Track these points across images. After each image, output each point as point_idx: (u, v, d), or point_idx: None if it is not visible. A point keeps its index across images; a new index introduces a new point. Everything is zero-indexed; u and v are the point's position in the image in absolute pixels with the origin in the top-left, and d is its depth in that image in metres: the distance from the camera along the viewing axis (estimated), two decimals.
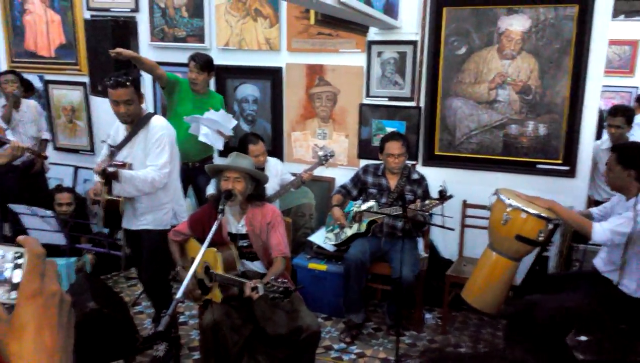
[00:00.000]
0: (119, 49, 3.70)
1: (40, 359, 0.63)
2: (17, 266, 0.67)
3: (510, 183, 3.62)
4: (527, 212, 2.77)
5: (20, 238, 0.67)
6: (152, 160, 3.12)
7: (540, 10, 3.73)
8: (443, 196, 3.33)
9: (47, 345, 0.63)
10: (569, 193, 3.63)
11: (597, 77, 3.64)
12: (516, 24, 3.82)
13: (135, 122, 3.15)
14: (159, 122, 3.19)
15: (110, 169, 2.93)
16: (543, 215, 2.76)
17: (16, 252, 0.68)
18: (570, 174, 3.75)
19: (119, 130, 3.26)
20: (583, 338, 2.47)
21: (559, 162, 3.78)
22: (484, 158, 3.99)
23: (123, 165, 3.04)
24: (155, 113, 3.35)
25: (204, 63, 4.08)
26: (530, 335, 2.74)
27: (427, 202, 3.42)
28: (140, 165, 3.13)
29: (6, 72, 4.60)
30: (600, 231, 2.65)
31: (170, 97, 4.19)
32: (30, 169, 4.62)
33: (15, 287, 0.66)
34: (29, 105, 4.66)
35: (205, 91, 4.19)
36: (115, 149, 3.04)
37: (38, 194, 4.56)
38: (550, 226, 2.76)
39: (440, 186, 3.32)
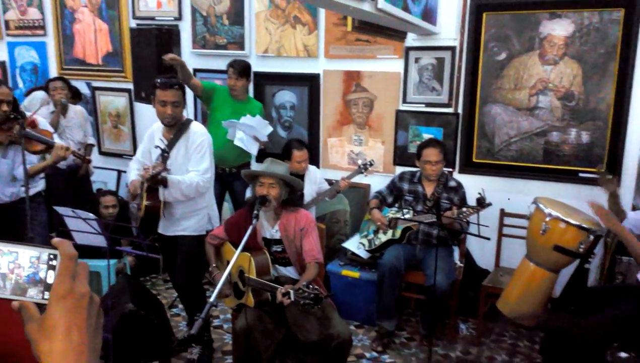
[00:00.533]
0: (171, 55, 3.82)
1: (68, 358, 0.65)
2: (50, 267, 0.70)
3: (550, 192, 3.53)
4: (567, 222, 2.69)
5: (55, 240, 0.70)
6: (194, 165, 3.17)
7: (585, 14, 3.63)
8: (481, 204, 3.26)
9: (75, 345, 0.66)
10: None
11: None
12: (559, 28, 3.72)
13: (177, 128, 3.21)
14: (198, 129, 3.24)
15: (164, 175, 3.00)
16: (584, 226, 2.67)
17: (50, 254, 0.71)
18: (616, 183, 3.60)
19: (154, 137, 3.30)
20: (623, 354, 2.37)
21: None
22: (524, 166, 3.90)
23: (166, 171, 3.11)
24: (193, 119, 3.41)
25: (241, 69, 4.15)
26: (568, 350, 2.65)
27: (464, 209, 3.36)
28: (178, 170, 3.18)
29: (55, 79, 4.78)
30: None
31: (208, 105, 4.28)
32: (76, 172, 4.79)
33: (48, 287, 0.69)
34: (76, 111, 4.83)
35: (244, 97, 4.26)
36: (167, 153, 3.09)
37: (83, 197, 4.74)
38: (592, 237, 2.66)
39: (479, 193, 3.25)
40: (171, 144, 3.20)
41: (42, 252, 0.71)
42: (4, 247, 0.71)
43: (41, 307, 0.68)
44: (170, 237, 3.35)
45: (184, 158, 3.19)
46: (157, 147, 3.16)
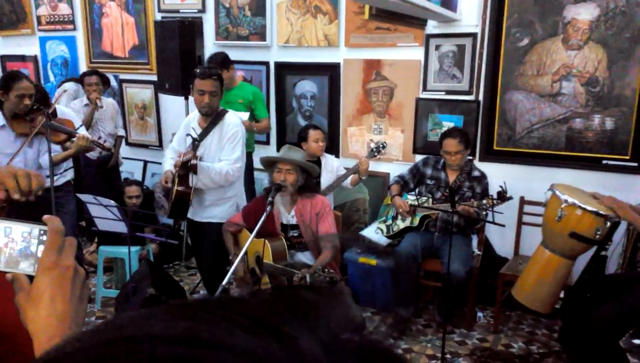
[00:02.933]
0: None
1: (51, 324, 0.70)
2: (41, 242, 0.76)
3: (573, 179, 3.47)
4: (583, 208, 2.64)
5: (45, 217, 0.76)
6: (226, 154, 3.26)
7: None
8: (502, 197, 3.20)
9: (59, 312, 0.71)
10: (637, 191, 3.41)
11: None
12: (584, 12, 3.63)
13: (212, 117, 3.30)
14: (233, 119, 3.34)
15: (193, 162, 3.11)
16: (601, 212, 2.62)
17: (41, 229, 0.76)
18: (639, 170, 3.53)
19: (189, 126, 3.39)
20: (637, 341, 2.33)
21: (627, 158, 3.57)
22: (546, 153, 3.83)
23: (196, 147, 3.22)
24: (227, 110, 3.49)
25: (219, 63, 4.21)
26: (585, 337, 2.62)
27: (484, 201, 3.32)
28: (211, 158, 3.29)
29: (90, 73, 4.86)
30: None
31: None
32: (106, 163, 4.94)
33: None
34: (108, 103, 4.96)
35: (234, 85, 4.34)
36: (198, 142, 3.22)
37: (112, 187, 4.89)
38: (609, 224, 2.61)
39: (500, 186, 3.20)
40: (205, 132, 3.30)
41: (33, 227, 0.76)
42: None
43: (32, 279, 0.74)
44: (199, 223, 3.46)
45: (217, 147, 3.29)
46: (188, 135, 3.27)
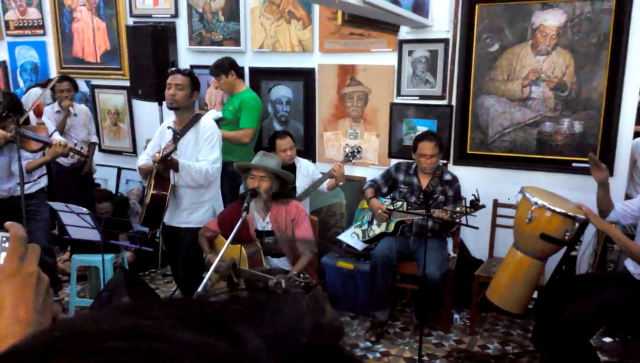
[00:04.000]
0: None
1: (14, 331, 0.69)
2: (3, 249, 0.74)
3: (544, 182, 3.54)
4: (552, 210, 2.71)
5: (7, 224, 0.75)
6: (204, 155, 3.27)
7: (576, 4, 3.63)
8: (475, 206, 3.24)
9: (21, 320, 0.70)
10: None
11: (636, 71, 3.50)
12: (551, 18, 3.72)
13: (187, 120, 3.32)
14: (208, 122, 3.37)
15: (174, 156, 3.08)
16: (569, 213, 2.69)
17: (3, 236, 0.75)
18: (608, 172, 3.60)
19: (164, 133, 3.40)
20: (608, 339, 2.39)
21: None
22: (517, 156, 3.91)
23: (177, 140, 3.20)
24: (202, 114, 3.51)
25: (214, 69, 4.23)
26: (557, 337, 2.68)
27: (457, 209, 3.36)
28: (187, 160, 3.28)
29: (61, 79, 4.80)
30: None
31: None
32: (80, 170, 4.86)
33: None
34: (81, 110, 4.89)
35: (236, 91, 4.29)
36: (180, 135, 3.20)
37: (86, 194, 4.81)
38: (577, 225, 2.68)
39: (473, 195, 3.24)
40: (183, 131, 3.31)
41: None
42: None
43: None
44: (174, 229, 3.44)
45: (194, 149, 3.30)
46: (169, 128, 3.26)
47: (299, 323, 0.36)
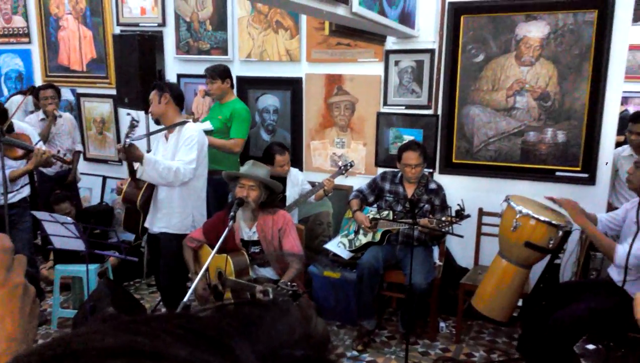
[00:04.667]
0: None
1: (0, 343, 0.69)
2: None
3: (528, 191, 3.58)
4: (536, 218, 2.74)
5: None
6: (180, 156, 3.27)
7: (559, 16, 3.69)
8: (460, 215, 3.25)
9: (7, 331, 0.69)
10: (589, 201, 3.53)
11: (617, 82, 3.57)
12: (535, 30, 3.78)
13: (173, 126, 3.36)
14: (191, 126, 3.39)
15: (127, 141, 3.02)
16: (553, 222, 2.72)
17: None
18: (590, 181, 3.67)
19: (158, 143, 3.50)
20: (591, 346, 2.41)
21: (578, 169, 3.71)
22: (502, 166, 3.95)
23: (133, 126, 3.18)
24: (188, 121, 3.52)
25: (212, 72, 4.20)
26: (541, 344, 2.70)
27: (443, 219, 3.38)
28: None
29: (46, 87, 4.79)
30: (623, 255, 2.55)
31: None
32: (64, 179, 4.82)
33: None
34: (65, 118, 4.86)
35: (226, 100, 4.27)
36: (137, 122, 3.18)
37: (70, 203, 4.76)
38: (561, 233, 2.71)
39: (458, 205, 3.26)
40: (159, 131, 3.41)
41: None
42: None
43: None
44: (156, 236, 3.42)
45: (174, 153, 3.28)
46: (128, 114, 3.29)
47: (292, 336, 0.37)
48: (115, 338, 0.33)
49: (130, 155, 3.08)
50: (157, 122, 3.46)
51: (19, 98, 5.00)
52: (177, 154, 3.29)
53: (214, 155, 4.05)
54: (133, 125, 3.07)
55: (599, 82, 3.60)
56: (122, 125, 5.37)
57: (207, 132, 3.85)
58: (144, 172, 3.13)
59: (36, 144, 3.52)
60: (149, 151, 3.45)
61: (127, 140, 3.04)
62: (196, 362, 0.31)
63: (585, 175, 3.68)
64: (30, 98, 4.87)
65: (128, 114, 3.30)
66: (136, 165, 3.17)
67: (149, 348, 0.32)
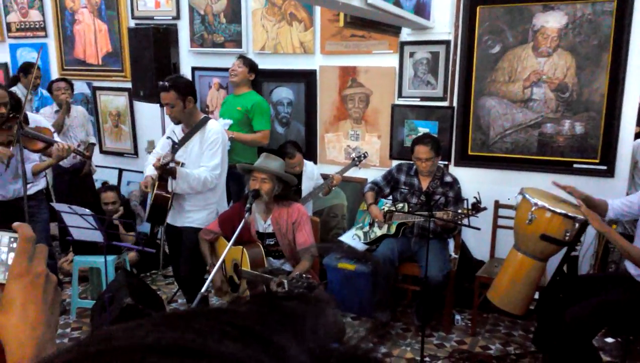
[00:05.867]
0: None
1: (24, 330, 0.70)
2: (12, 249, 0.75)
3: (545, 183, 3.53)
4: (552, 211, 2.71)
5: (15, 224, 0.75)
6: (205, 161, 3.28)
7: (578, 6, 3.64)
8: (477, 208, 3.23)
9: (30, 319, 0.70)
10: (607, 193, 3.48)
11: (636, 73, 3.52)
12: (552, 20, 3.73)
13: (191, 125, 3.34)
14: (214, 126, 3.36)
15: (172, 165, 3.10)
16: (569, 214, 2.69)
17: (11, 237, 0.75)
18: (609, 173, 3.63)
19: (176, 129, 3.45)
20: (610, 340, 2.39)
21: (597, 161, 3.67)
22: (518, 158, 3.92)
23: (177, 163, 3.20)
24: (210, 117, 3.50)
25: (247, 60, 4.24)
26: (559, 338, 2.68)
27: (459, 211, 3.36)
28: (192, 164, 3.30)
29: (58, 80, 4.87)
30: None
31: None
32: (79, 171, 4.87)
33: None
34: (78, 111, 4.92)
35: (242, 91, 4.28)
36: (178, 145, 3.21)
37: (86, 195, 4.82)
38: (577, 225, 2.68)
39: (475, 197, 3.23)
40: (185, 138, 3.33)
41: (3, 235, 0.76)
42: None
43: (3, 287, 0.73)
44: (177, 229, 3.45)
45: (198, 153, 3.31)
46: (168, 138, 3.28)
47: (335, 332, 0.36)
48: (160, 334, 0.32)
49: (167, 173, 3.15)
50: (177, 121, 3.40)
51: (15, 89, 5.01)
52: (202, 157, 3.29)
53: (235, 148, 4.08)
54: (175, 149, 3.12)
55: (618, 72, 3.55)
56: (138, 118, 5.42)
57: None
58: (176, 185, 3.18)
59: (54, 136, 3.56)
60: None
61: (172, 165, 3.10)
62: (247, 360, 0.31)
63: (604, 167, 3.64)
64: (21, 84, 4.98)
65: (168, 138, 3.29)
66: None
67: (197, 346, 0.31)
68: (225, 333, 0.32)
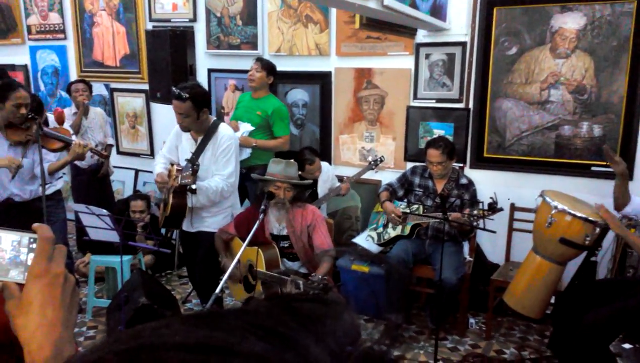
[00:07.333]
0: None
1: (42, 331, 0.70)
2: (31, 250, 0.75)
3: (562, 186, 3.50)
4: (572, 214, 2.68)
5: (35, 225, 0.76)
6: (219, 169, 3.27)
7: (596, 7, 3.60)
8: (493, 209, 3.20)
9: (49, 319, 0.71)
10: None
11: None
12: (570, 21, 3.69)
13: (202, 131, 3.31)
14: (226, 132, 3.34)
15: (193, 187, 3.10)
16: (590, 218, 2.66)
17: (31, 238, 0.76)
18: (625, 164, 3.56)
19: (181, 134, 3.42)
20: (628, 346, 2.36)
21: None
22: (535, 160, 3.88)
23: (192, 191, 3.16)
24: (221, 120, 3.48)
25: (265, 63, 4.23)
26: (575, 342, 2.64)
27: (475, 212, 3.33)
28: (205, 170, 3.29)
29: (77, 81, 4.93)
30: None
31: None
32: (97, 172, 4.93)
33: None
34: (96, 113, 4.98)
35: (261, 95, 4.28)
36: (198, 166, 3.19)
37: (103, 195, 4.88)
38: (598, 230, 2.64)
39: (491, 198, 3.20)
40: (200, 148, 3.30)
41: (22, 236, 0.76)
42: None
43: (22, 287, 0.74)
44: (191, 233, 3.46)
45: (211, 160, 3.30)
46: (187, 160, 3.25)
47: (350, 333, 0.37)
48: (188, 333, 0.33)
49: (188, 191, 3.17)
50: (186, 129, 3.35)
51: None
52: (215, 162, 3.28)
53: (254, 151, 4.10)
54: (195, 171, 3.12)
55: (638, 74, 3.50)
56: (154, 119, 5.46)
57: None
58: (196, 201, 3.20)
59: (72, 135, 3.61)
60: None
61: (194, 186, 3.10)
62: (272, 358, 0.31)
63: None
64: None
65: (187, 160, 3.28)
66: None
67: (225, 344, 0.32)
68: (250, 332, 0.33)
